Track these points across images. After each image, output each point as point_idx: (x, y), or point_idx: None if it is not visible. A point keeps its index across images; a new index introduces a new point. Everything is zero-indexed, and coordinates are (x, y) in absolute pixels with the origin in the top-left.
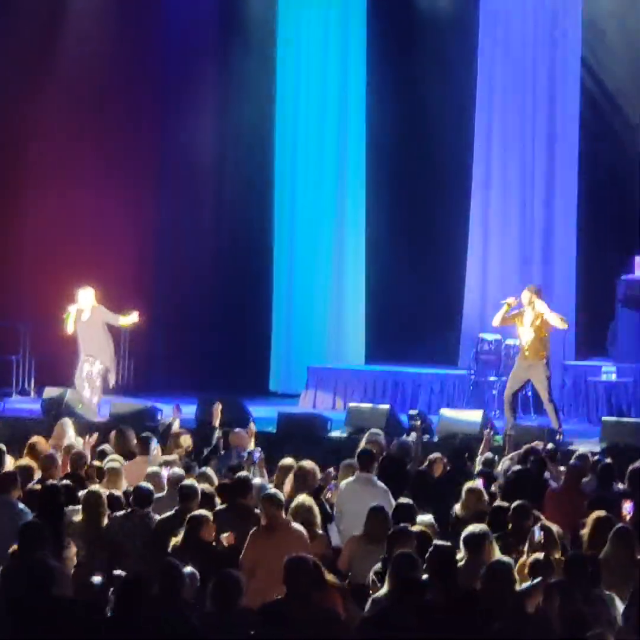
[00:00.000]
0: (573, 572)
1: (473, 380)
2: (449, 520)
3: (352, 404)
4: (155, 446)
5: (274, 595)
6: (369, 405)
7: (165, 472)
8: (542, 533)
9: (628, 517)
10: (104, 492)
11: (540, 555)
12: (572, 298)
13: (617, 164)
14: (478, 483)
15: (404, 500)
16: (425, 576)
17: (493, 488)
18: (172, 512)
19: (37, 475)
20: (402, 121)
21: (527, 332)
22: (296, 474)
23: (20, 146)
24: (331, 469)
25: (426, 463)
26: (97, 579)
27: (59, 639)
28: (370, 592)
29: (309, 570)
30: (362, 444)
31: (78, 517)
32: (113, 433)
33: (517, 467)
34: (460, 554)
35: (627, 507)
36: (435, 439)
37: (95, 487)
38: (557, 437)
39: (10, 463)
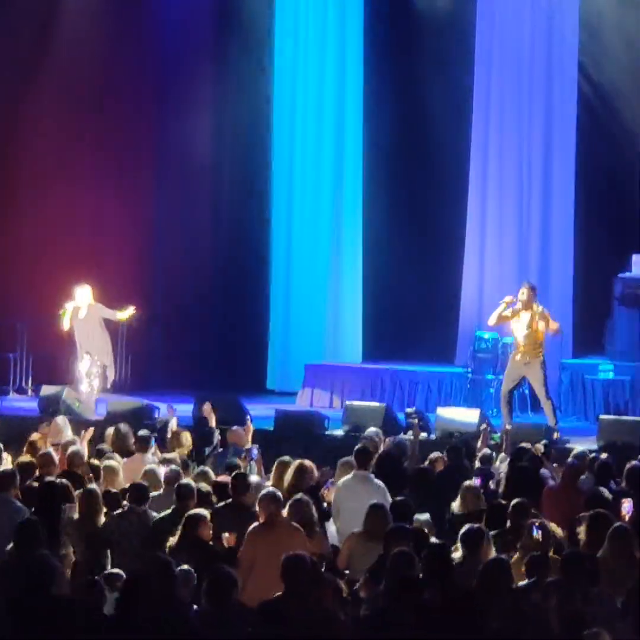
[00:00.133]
0: (571, 571)
1: (470, 378)
2: (447, 519)
3: (349, 402)
4: (153, 444)
5: (272, 593)
6: (366, 403)
7: (162, 470)
8: (539, 531)
9: (627, 517)
10: (101, 490)
11: (537, 553)
12: (569, 296)
13: (614, 163)
14: (475, 481)
15: (400, 498)
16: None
17: (491, 486)
18: (169, 510)
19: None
20: (399, 119)
21: (524, 329)
22: (294, 472)
23: (17, 145)
24: (327, 468)
25: (427, 462)
26: (93, 577)
27: (57, 637)
28: (362, 591)
29: (307, 569)
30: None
31: (74, 515)
32: (111, 431)
33: (515, 464)
34: (458, 552)
35: (626, 506)
36: (433, 437)
37: (91, 485)
38: (554, 435)
39: (7, 461)
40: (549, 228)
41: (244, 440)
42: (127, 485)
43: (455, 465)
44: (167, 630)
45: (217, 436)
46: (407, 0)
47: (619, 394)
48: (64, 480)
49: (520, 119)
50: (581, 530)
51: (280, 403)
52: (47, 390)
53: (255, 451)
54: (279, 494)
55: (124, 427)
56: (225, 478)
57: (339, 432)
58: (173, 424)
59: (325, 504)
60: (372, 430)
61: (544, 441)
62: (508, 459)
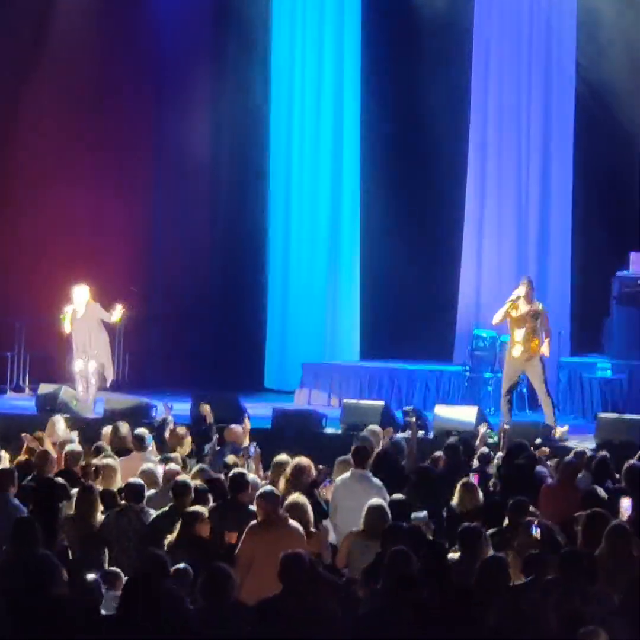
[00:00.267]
0: (569, 570)
1: (468, 376)
2: (445, 516)
3: (347, 401)
4: (150, 443)
5: (271, 591)
6: (364, 401)
7: (160, 469)
8: (538, 530)
9: (626, 515)
10: (97, 488)
11: (534, 551)
12: (567, 295)
13: (612, 162)
14: (473, 479)
15: (397, 496)
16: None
17: (489, 485)
18: (167, 508)
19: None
20: (397, 117)
21: (525, 324)
22: (291, 471)
23: (16, 145)
24: (325, 467)
25: (429, 461)
26: (91, 575)
27: (55, 636)
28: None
29: (305, 567)
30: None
31: (71, 513)
32: (109, 429)
33: (511, 462)
34: (456, 550)
35: (626, 505)
36: (430, 435)
37: (88, 483)
38: (553, 433)
39: (5, 460)
40: (547, 227)
41: (242, 439)
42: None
43: (453, 464)
44: (165, 629)
45: (215, 434)
46: None
47: (617, 392)
48: (61, 479)
49: (518, 119)
50: (578, 529)
51: (278, 401)
52: (44, 388)
53: (252, 449)
54: (276, 491)
55: (122, 425)
56: (222, 476)
57: (337, 431)
58: (171, 422)
59: (322, 502)
60: (371, 428)
61: (538, 440)
62: (504, 458)
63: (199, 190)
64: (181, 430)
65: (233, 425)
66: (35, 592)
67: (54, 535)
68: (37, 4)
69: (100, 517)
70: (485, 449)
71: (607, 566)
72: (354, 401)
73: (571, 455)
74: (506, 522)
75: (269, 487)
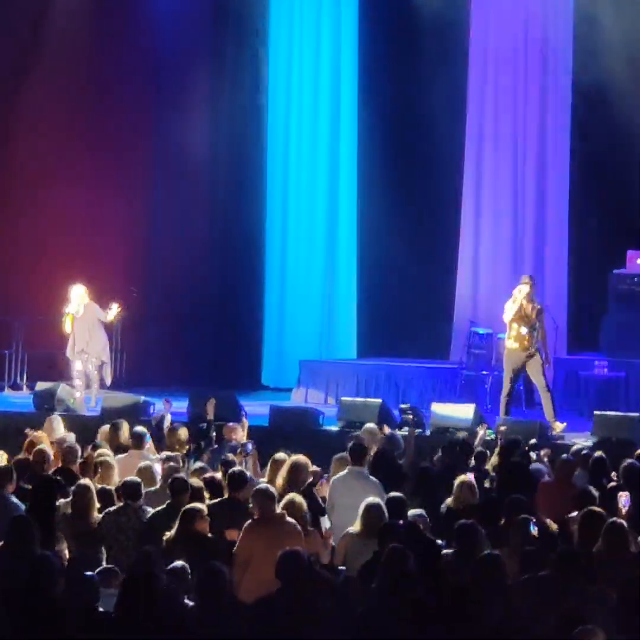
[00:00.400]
0: (566, 567)
1: (465, 374)
2: (442, 514)
3: (344, 398)
4: (148, 441)
5: (268, 588)
6: (361, 399)
7: (158, 467)
8: (536, 528)
9: (624, 510)
10: (95, 486)
11: (531, 548)
12: (564, 292)
13: (609, 159)
14: (470, 477)
15: (395, 494)
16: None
17: (486, 483)
18: (164, 506)
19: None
20: (394, 113)
21: (529, 321)
22: (289, 468)
23: (14, 144)
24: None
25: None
26: (88, 573)
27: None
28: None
29: (302, 566)
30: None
31: (68, 511)
32: (107, 427)
33: (506, 459)
34: (452, 548)
35: (623, 500)
36: (428, 433)
37: (85, 480)
38: (551, 429)
39: (3, 458)
40: (544, 224)
41: (240, 436)
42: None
43: (451, 462)
44: (162, 627)
45: (213, 432)
46: None
47: (614, 390)
48: (59, 477)
49: (515, 117)
50: (574, 527)
51: (275, 399)
52: (42, 386)
53: (250, 447)
54: (272, 489)
55: (120, 423)
56: (219, 474)
57: (334, 428)
58: (168, 420)
59: (319, 499)
60: (368, 426)
61: (533, 440)
62: (498, 456)
63: (196, 189)
64: (178, 427)
65: (231, 423)
66: (32, 590)
67: (52, 533)
68: (36, 4)
69: (97, 515)
70: (481, 449)
71: (604, 564)
72: (351, 399)
73: (568, 453)
74: (502, 519)
75: (263, 485)
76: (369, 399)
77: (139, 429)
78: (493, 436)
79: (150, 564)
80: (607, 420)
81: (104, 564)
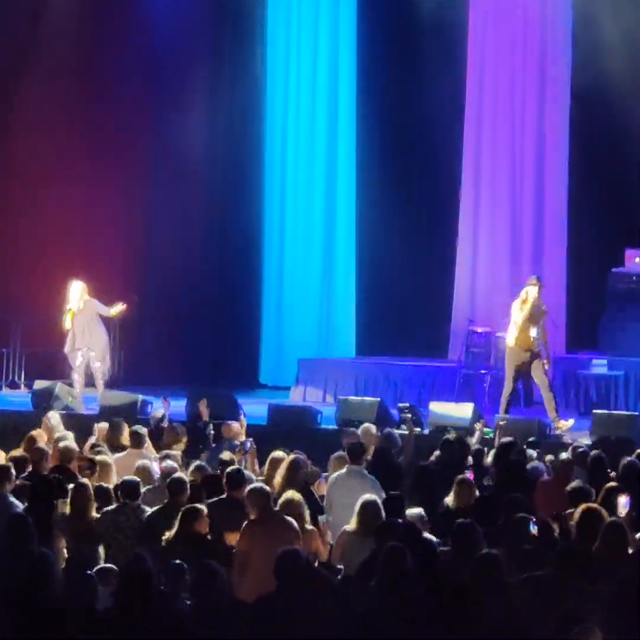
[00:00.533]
0: (565, 566)
1: (463, 373)
2: (441, 513)
3: (342, 397)
4: (146, 439)
5: (268, 588)
6: (360, 398)
7: (156, 466)
8: (536, 527)
9: (624, 512)
10: (93, 485)
11: (530, 547)
12: (562, 291)
13: (607, 158)
14: (468, 475)
15: (393, 492)
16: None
17: (485, 482)
18: (162, 505)
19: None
20: (392, 112)
21: (537, 322)
22: (287, 467)
23: (11, 141)
24: (317, 469)
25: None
26: (87, 572)
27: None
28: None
29: (301, 564)
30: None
31: (66, 510)
32: (104, 425)
33: (502, 458)
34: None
35: (623, 501)
36: (426, 431)
37: (83, 479)
38: (554, 427)
39: (0, 456)
40: (543, 222)
41: (239, 434)
42: (119, 481)
43: (449, 461)
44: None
45: (211, 431)
46: None
47: (612, 388)
48: (58, 475)
49: (513, 116)
50: (572, 525)
51: (273, 398)
52: (40, 385)
53: (248, 445)
54: (266, 487)
55: (119, 422)
56: (217, 473)
57: (332, 427)
58: (166, 419)
59: (318, 498)
60: (365, 426)
61: (532, 438)
62: (495, 454)
63: (195, 189)
64: (177, 427)
65: (230, 422)
66: (30, 589)
67: (50, 531)
68: (35, 4)
69: (94, 514)
70: (478, 446)
71: (603, 563)
72: (349, 398)
73: (567, 451)
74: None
75: (258, 484)
76: (367, 398)
77: (138, 428)
78: (491, 434)
79: (145, 563)
80: (605, 419)
81: (102, 563)
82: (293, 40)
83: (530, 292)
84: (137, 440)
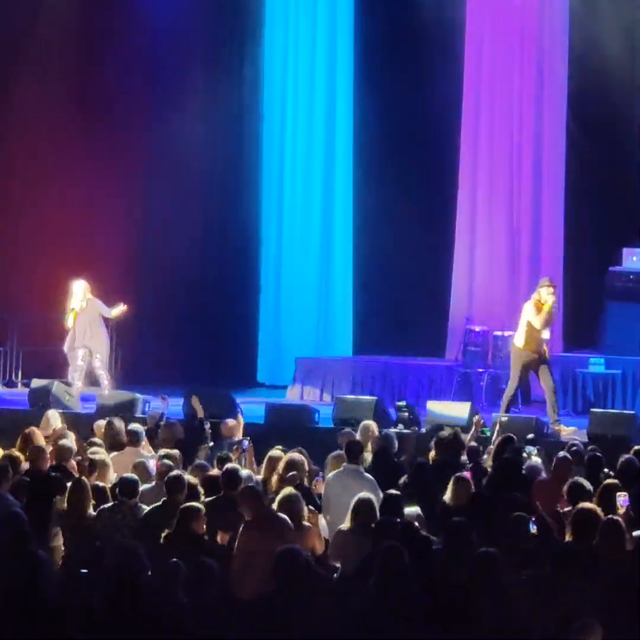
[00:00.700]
0: (562, 565)
1: (461, 371)
2: (440, 511)
3: (339, 396)
4: (144, 438)
5: (266, 587)
6: (357, 396)
7: (153, 463)
8: (535, 526)
9: (622, 510)
10: (91, 483)
11: (528, 546)
12: (560, 290)
13: (605, 156)
14: (466, 474)
15: (391, 491)
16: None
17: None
18: (160, 503)
19: (25, 465)
20: (390, 113)
21: (550, 325)
22: (284, 465)
23: (11, 141)
24: (316, 468)
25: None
26: (83, 570)
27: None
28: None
29: (299, 563)
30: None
31: (63, 508)
32: (102, 424)
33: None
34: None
35: (622, 499)
36: (423, 430)
37: (80, 477)
38: (557, 429)
39: None
40: (540, 221)
41: (236, 433)
42: (116, 479)
43: (443, 459)
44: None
45: (208, 429)
46: None
47: (610, 387)
48: (57, 474)
49: (510, 114)
50: (568, 524)
51: (270, 396)
52: (37, 383)
53: (246, 443)
54: (257, 487)
55: (117, 420)
56: (216, 472)
57: (330, 426)
58: (163, 418)
59: (316, 497)
60: (365, 423)
61: (530, 435)
62: (493, 452)
63: (192, 188)
64: (173, 424)
65: (228, 420)
66: (26, 588)
67: (48, 529)
68: (32, 4)
69: (92, 511)
70: (473, 444)
71: (601, 561)
72: (346, 396)
73: (564, 450)
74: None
75: (249, 484)
76: (364, 397)
77: (135, 426)
78: (488, 433)
79: (136, 559)
80: (603, 418)
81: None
82: (291, 38)
83: (546, 294)
84: (134, 439)
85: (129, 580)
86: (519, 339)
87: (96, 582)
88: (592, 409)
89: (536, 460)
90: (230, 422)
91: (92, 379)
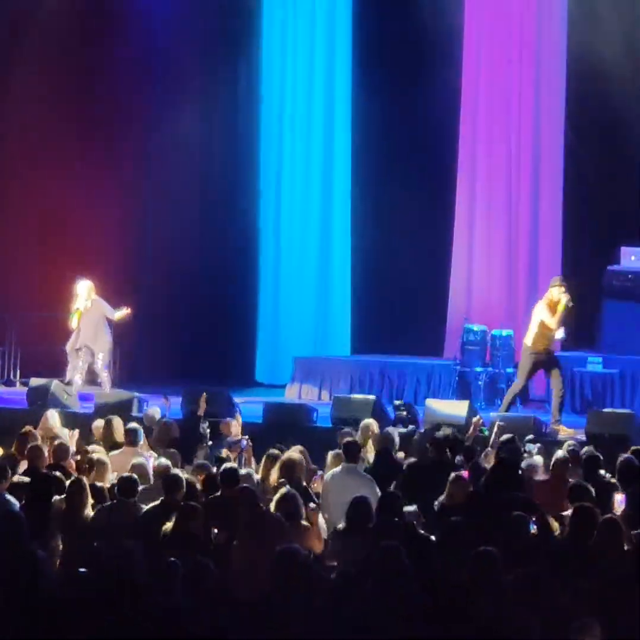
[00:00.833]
0: (561, 564)
1: (459, 370)
2: (440, 510)
3: (338, 395)
4: (142, 437)
5: (264, 587)
6: (355, 395)
7: (151, 463)
8: (534, 526)
9: (620, 510)
10: (89, 482)
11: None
12: None
13: (603, 156)
14: (463, 473)
15: (389, 491)
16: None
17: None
18: (158, 502)
19: (22, 465)
20: (388, 112)
21: (561, 323)
22: (282, 465)
23: (10, 141)
24: (314, 467)
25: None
26: (81, 570)
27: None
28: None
29: (298, 563)
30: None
31: (62, 507)
32: (101, 423)
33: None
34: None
35: (619, 499)
36: (422, 429)
37: (78, 476)
38: (556, 428)
39: None
40: (538, 220)
41: (235, 432)
42: (115, 479)
43: (439, 458)
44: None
45: (205, 426)
46: None
47: (608, 386)
48: (56, 473)
49: (509, 114)
50: (567, 523)
51: (269, 396)
52: (35, 383)
53: (244, 442)
54: (251, 488)
55: (115, 420)
56: (214, 471)
57: (328, 425)
58: (166, 417)
59: (314, 496)
60: (366, 422)
61: (530, 436)
62: (494, 452)
63: (191, 187)
64: (171, 424)
65: (228, 419)
66: (24, 588)
67: (46, 529)
68: (29, 3)
69: (90, 510)
70: (469, 443)
71: (598, 560)
72: (345, 395)
73: (562, 449)
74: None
75: (242, 485)
76: (363, 396)
77: (133, 425)
78: (486, 432)
79: (134, 560)
80: (600, 417)
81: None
82: (289, 38)
83: (558, 293)
84: (132, 438)
85: (128, 580)
86: (528, 338)
87: (95, 582)
88: (590, 409)
89: (537, 458)
90: (229, 421)
91: (92, 378)
